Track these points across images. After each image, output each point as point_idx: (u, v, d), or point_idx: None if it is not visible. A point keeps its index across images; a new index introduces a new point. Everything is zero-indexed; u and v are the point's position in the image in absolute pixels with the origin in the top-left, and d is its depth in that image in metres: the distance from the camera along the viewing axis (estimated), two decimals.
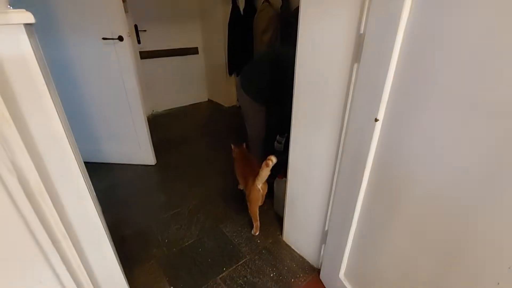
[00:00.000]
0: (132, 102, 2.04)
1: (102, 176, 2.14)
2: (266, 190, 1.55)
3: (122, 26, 1.78)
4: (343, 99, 0.92)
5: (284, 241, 1.53)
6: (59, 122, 0.66)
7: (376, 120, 0.78)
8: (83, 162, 0.89)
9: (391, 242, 0.87)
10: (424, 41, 0.64)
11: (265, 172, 1.42)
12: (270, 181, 1.55)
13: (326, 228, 1.22)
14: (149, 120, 3.43)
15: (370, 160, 0.85)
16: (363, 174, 0.88)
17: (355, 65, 0.85)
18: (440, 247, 0.71)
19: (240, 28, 2.97)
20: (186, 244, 1.51)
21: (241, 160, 1.73)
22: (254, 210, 1.56)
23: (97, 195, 1.83)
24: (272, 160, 1.37)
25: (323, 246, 1.27)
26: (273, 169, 1.39)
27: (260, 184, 1.48)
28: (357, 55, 0.83)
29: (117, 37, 1.79)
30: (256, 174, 1.45)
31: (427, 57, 0.64)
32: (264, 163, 1.39)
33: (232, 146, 1.79)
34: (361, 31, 0.80)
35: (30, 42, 0.60)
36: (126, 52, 1.86)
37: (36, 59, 0.62)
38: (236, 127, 3.11)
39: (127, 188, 2.00)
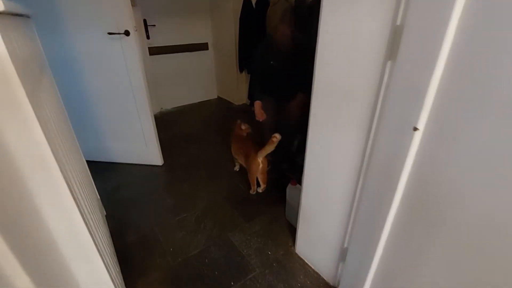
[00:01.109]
0: (139, 100, 1.95)
1: (109, 176, 2.07)
2: (266, 166, 1.76)
3: (128, 20, 1.69)
4: (371, 102, 0.79)
5: (296, 254, 1.41)
6: (40, 130, 0.56)
7: (415, 129, 0.65)
8: (75, 173, 0.79)
9: (426, 268, 0.74)
10: (485, 36, 0.51)
11: (269, 147, 1.63)
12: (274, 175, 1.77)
13: (345, 245, 1.10)
14: (157, 117, 3.39)
15: (406, 174, 0.72)
16: (395, 189, 0.75)
17: (389, 63, 0.71)
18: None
19: (252, 22, 2.84)
20: (192, 254, 1.42)
21: (242, 138, 1.93)
22: (252, 178, 1.80)
23: (102, 197, 1.78)
24: (276, 137, 1.59)
25: (341, 263, 1.15)
26: (286, 174, 1.44)
27: (261, 158, 1.69)
28: (391, 51, 0.70)
29: (123, 31, 1.70)
30: (256, 150, 1.67)
31: (488, 57, 0.51)
32: (270, 140, 1.61)
33: (239, 121, 1.76)
34: (398, 22, 0.67)
35: (4, 38, 0.50)
36: (132, 47, 1.77)
37: (13, 60, 0.52)
38: None
39: (133, 190, 1.93)
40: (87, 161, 2.27)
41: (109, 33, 1.70)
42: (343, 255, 1.11)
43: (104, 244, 0.99)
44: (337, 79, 0.88)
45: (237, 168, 2.12)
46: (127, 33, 1.70)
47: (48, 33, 1.75)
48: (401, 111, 0.69)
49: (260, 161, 1.69)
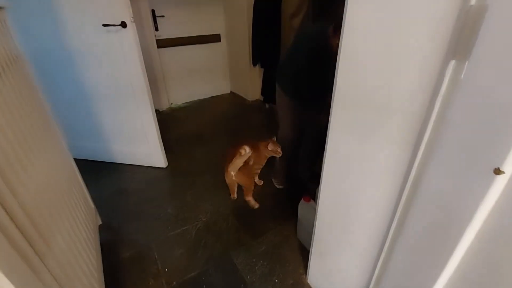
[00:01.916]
0: (140, 97, 1.79)
1: (109, 178, 1.95)
2: (244, 182, 1.61)
3: (124, 10, 1.51)
4: (417, 119, 0.56)
5: (308, 284, 1.21)
6: None
7: (498, 172, 0.41)
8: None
9: None
10: None
11: (238, 161, 1.49)
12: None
13: (370, 286, 0.87)
14: (166, 114, 3.25)
15: (472, 232, 0.49)
16: (456, 244, 0.52)
17: (452, 64, 0.47)
18: None
19: (266, 12, 2.58)
20: (189, 276, 1.25)
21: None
22: (230, 188, 1.71)
23: (99, 203, 1.65)
24: (245, 150, 1.50)
25: None
26: (299, 188, 1.26)
27: (233, 172, 1.53)
28: (459, 45, 0.46)
29: (119, 23, 1.53)
30: (230, 162, 1.52)
31: None
32: (238, 152, 1.50)
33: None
34: (472, 2, 0.43)
35: None
36: (130, 40, 1.59)
37: None
38: (258, 125, 2.79)
39: (133, 196, 1.79)
40: (86, 160, 2.20)
41: (104, 25, 1.53)
42: None
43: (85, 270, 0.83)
44: (366, 85, 0.64)
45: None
46: (123, 24, 1.52)
47: (41, 26, 1.62)
48: (474, 140, 0.45)
49: (232, 174, 1.55)
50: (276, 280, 1.23)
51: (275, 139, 1.70)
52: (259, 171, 1.78)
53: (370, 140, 0.69)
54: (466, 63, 0.44)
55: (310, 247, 1.32)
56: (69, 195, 1.07)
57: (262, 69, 2.98)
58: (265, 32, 2.63)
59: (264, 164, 1.74)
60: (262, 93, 3.10)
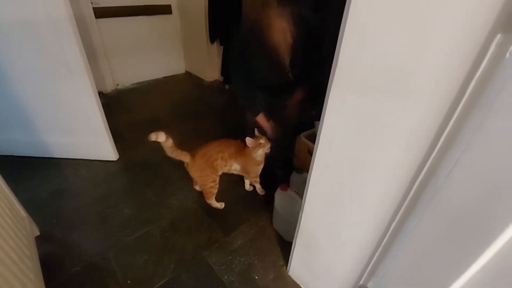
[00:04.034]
0: (78, 78, 1.46)
1: (47, 177, 1.61)
2: (201, 182, 1.40)
3: None
4: (443, 106, 0.48)
5: (290, 277, 1.16)
6: None
7: None
8: None
9: None
10: None
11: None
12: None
13: (361, 282, 0.84)
14: (112, 96, 2.81)
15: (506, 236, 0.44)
16: (479, 253, 0.47)
17: (497, 38, 0.39)
18: None
19: None
20: (157, 285, 1.10)
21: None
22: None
23: (34, 208, 1.33)
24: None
25: None
26: (272, 178, 1.11)
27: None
28: (510, 17, 0.37)
29: None
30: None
31: None
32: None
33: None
34: None
35: None
36: (59, 5, 1.25)
37: None
38: (220, 108, 2.60)
39: (78, 196, 1.50)
40: (13, 157, 1.77)
41: None
42: None
43: None
44: (378, 64, 0.54)
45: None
46: None
47: None
48: None
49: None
50: (256, 277, 1.15)
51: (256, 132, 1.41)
52: (257, 179, 1.51)
53: (375, 130, 0.60)
54: None
55: (288, 236, 1.26)
56: None
57: (222, 46, 2.74)
58: (223, 3, 2.38)
59: (260, 170, 1.47)
60: (222, 73, 2.89)
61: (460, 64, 0.44)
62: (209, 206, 1.45)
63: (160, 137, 1.17)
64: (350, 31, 0.55)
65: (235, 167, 1.42)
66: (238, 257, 1.22)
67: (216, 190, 1.41)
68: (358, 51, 0.56)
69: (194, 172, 1.36)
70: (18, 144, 1.72)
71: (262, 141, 1.31)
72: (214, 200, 1.44)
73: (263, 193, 1.55)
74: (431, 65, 0.47)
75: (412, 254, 0.63)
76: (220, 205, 1.47)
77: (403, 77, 0.51)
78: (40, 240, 1.22)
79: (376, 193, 0.66)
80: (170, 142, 1.22)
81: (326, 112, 0.68)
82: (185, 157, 1.31)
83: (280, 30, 1.17)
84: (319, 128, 0.72)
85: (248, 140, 1.29)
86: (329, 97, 0.66)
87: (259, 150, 1.32)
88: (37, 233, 1.27)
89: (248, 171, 1.44)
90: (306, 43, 1.24)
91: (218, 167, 1.37)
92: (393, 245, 0.67)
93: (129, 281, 1.10)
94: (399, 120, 0.55)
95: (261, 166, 1.45)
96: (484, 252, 0.48)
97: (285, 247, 1.25)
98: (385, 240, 0.69)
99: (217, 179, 1.39)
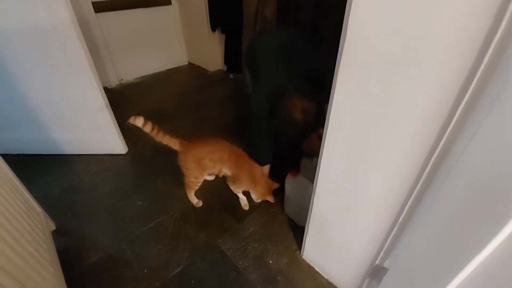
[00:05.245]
0: (81, 74, 1.46)
1: (59, 173, 1.63)
2: (186, 172, 1.34)
3: None
4: (461, 71, 0.45)
5: (304, 260, 1.16)
6: None
7: None
8: None
9: None
10: None
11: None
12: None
13: (376, 262, 0.83)
14: (117, 91, 2.82)
15: None
16: (505, 223, 0.45)
17: None
18: None
19: None
20: (173, 273, 1.11)
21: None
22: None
23: (48, 204, 1.36)
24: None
25: (368, 280, 0.90)
26: (281, 164, 1.13)
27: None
28: None
29: None
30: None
31: None
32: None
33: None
34: None
35: None
36: (60, 9, 1.24)
37: None
38: (224, 98, 2.58)
39: (91, 190, 1.52)
40: (24, 155, 1.81)
41: None
42: (374, 273, 0.85)
43: None
44: (387, 34, 0.51)
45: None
46: None
47: None
48: None
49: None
50: (270, 262, 1.15)
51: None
52: (240, 191, 1.41)
53: (388, 102, 0.57)
54: None
55: (300, 221, 1.26)
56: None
57: (223, 35, 2.69)
58: None
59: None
60: (225, 62, 2.84)
61: (477, 27, 0.40)
62: (220, 195, 1.45)
63: (138, 121, 1.16)
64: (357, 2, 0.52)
65: (225, 172, 1.31)
66: (251, 243, 1.23)
67: (196, 187, 1.36)
68: (367, 21, 0.53)
69: (179, 161, 1.31)
70: (30, 143, 1.75)
71: (270, 199, 1.25)
72: (192, 194, 1.39)
73: (246, 208, 1.40)
74: (446, 30, 0.44)
75: (431, 230, 0.61)
76: (196, 203, 1.40)
77: (417, 44, 0.48)
78: (56, 234, 1.25)
79: (392, 168, 0.64)
80: (148, 127, 1.19)
81: (336, 89, 0.65)
82: (173, 144, 1.27)
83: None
84: (329, 106, 0.69)
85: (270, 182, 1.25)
86: (338, 73, 0.63)
87: (259, 197, 1.28)
88: (53, 227, 1.29)
89: (235, 182, 1.31)
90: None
91: (204, 166, 1.28)
92: (410, 222, 0.66)
93: (145, 270, 1.12)
94: (415, 91, 0.52)
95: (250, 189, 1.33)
96: (508, 223, 0.46)
97: (298, 232, 1.25)
98: (402, 216, 0.67)
99: (200, 178, 1.32)
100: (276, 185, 1.26)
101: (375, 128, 0.62)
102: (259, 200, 1.38)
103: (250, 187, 1.30)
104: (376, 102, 0.59)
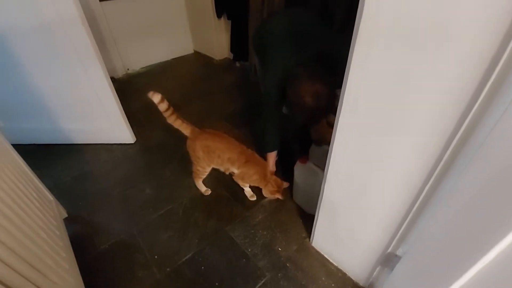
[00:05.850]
0: (88, 64, 1.45)
1: (69, 162, 1.65)
2: (193, 158, 1.33)
3: None
4: (489, 46, 0.42)
5: (313, 248, 1.15)
6: None
7: None
8: None
9: None
10: None
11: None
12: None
13: (389, 250, 0.82)
14: (124, 81, 2.82)
15: None
16: None
17: None
18: None
19: None
20: (183, 260, 1.13)
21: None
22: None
23: (60, 192, 1.39)
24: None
25: (379, 267, 0.89)
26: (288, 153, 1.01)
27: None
28: None
29: None
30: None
31: None
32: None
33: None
34: None
35: None
36: (68, 3, 1.23)
37: None
38: (231, 87, 2.55)
39: (100, 179, 1.54)
40: (35, 145, 1.84)
41: None
42: (387, 261, 0.84)
43: None
44: (407, 8, 0.48)
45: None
46: None
47: None
48: None
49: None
50: (280, 249, 1.15)
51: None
52: (247, 185, 1.40)
53: (408, 86, 0.54)
54: None
55: (309, 209, 1.25)
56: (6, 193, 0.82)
57: (229, 21, 2.63)
58: None
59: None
60: (232, 50, 2.80)
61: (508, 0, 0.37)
62: (228, 183, 1.45)
63: (156, 97, 1.17)
64: None
65: (232, 170, 1.30)
66: (260, 231, 1.23)
67: (203, 176, 1.36)
68: None
69: (188, 147, 1.30)
70: (40, 133, 1.77)
71: (280, 197, 1.24)
72: (200, 182, 1.40)
73: (253, 198, 1.39)
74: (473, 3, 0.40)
75: (448, 219, 0.59)
76: (205, 191, 1.41)
77: (446, 16, 0.45)
78: (68, 222, 1.27)
79: (408, 155, 0.61)
80: (164, 106, 1.19)
81: (351, 70, 0.62)
82: (185, 129, 1.26)
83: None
84: (342, 89, 0.66)
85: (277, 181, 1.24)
86: (353, 54, 0.60)
87: (268, 196, 1.28)
88: (65, 215, 1.32)
89: (244, 179, 1.30)
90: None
91: (213, 160, 1.27)
92: (426, 209, 0.64)
93: (156, 256, 1.14)
94: (439, 70, 0.49)
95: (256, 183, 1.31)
96: None
97: (307, 219, 1.24)
98: (417, 204, 0.65)
99: (207, 169, 1.32)
100: (286, 184, 1.25)
101: (393, 112, 0.60)
102: (268, 197, 1.35)
103: (260, 186, 1.29)
104: (394, 84, 0.56)
